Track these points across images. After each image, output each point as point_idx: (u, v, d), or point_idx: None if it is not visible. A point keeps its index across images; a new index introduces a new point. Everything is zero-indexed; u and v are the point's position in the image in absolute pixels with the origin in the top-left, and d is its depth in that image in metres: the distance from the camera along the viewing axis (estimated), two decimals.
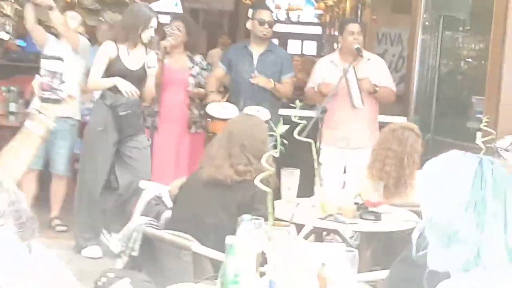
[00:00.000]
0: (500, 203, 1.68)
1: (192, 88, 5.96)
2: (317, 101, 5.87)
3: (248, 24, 6.06)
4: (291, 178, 3.88)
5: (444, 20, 7.23)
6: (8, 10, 7.20)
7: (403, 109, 7.18)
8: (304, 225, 3.85)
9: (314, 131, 5.17)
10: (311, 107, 6.09)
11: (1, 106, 6.82)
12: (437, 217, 1.71)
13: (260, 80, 5.87)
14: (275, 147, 2.47)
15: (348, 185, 4.76)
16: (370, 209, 3.76)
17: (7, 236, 1.21)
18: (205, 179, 3.60)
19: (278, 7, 15.58)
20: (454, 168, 1.73)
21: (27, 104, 6.43)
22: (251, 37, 6.08)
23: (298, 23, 17.27)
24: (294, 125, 3.36)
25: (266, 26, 5.97)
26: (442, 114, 7.19)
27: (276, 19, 8.49)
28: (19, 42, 10.00)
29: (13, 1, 7.25)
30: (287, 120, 3.14)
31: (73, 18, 6.24)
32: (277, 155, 2.44)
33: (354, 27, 5.87)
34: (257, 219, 2.61)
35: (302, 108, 3.79)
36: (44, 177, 6.20)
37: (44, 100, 2.33)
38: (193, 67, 5.96)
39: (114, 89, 5.34)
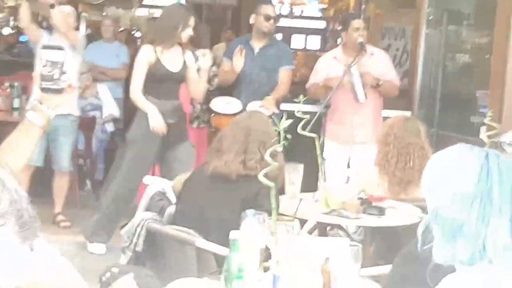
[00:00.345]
0: (505, 197, 1.68)
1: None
2: (320, 96, 5.87)
3: (252, 19, 6.05)
4: (295, 173, 3.88)
5: (449, 14, 7.22)
6: (10, 1, 7.19)
7: (407, 103, 7.17)
8: (307, 220, 3.85)
9: (318, 126, 5.16)
10: (314, 101, 6.09)
11: (4, 101, 6.83)
12: (443, 210, 1.71)
13: (268, 104, 5.77)
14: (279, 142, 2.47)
15: (352, 180, 4.75)
16: (374, 204, 3.76)
17: (8, 236, 1.20)
18: (211, 173, 3.59)
19: (281, 2, 15.53)
20: (461, 161, 1.73)
21: None
22: (254, 32, 6.07)
23: (302, 17, 17.23)
24: (297, 120, 3.35)
25: (272, 21, 5.99)
26: (446, 108, 7.17)
27: (279, 13, 8.48)
28: (22, 37, 10.02)
29: None
30: (290, 115, 3.13)
31: (68, 13, 6.16)
32: (280, 149, 2.43)
33: (359, 23, 5.84)
34: (261, 214, 2.61)
35: (305, 103, 3.78)
36: (44, 173, 6.22)
37: (44, 90, 2.32)
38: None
39: (159, 96, 5.27)
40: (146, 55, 5.26)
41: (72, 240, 5.62)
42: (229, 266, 2.30)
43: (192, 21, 5.29)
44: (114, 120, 7.77)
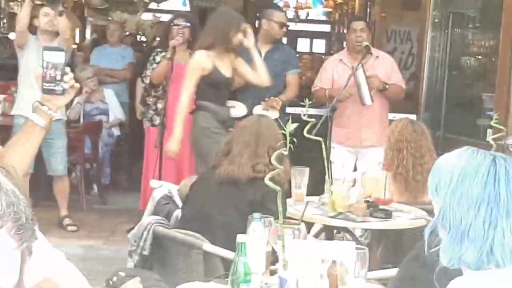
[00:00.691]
0: None
1: None
2: (325, 101, 5.87)
3: (265, 25, 6.01)
4: (301, 176, 3.88)
5: (454, 17, 7.21)
6: (17, 10, 7.21)
7: (413, 106, 7.16)
8: (314, 223, 3.85)
9: (324, 129, 5.15)
10: (320, 105, 6.08)
11: (10, 107, 6.84)
12: (450, 213, 1.71)
13: (270, 103, 5.78)
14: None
15: (359, 183, 4.75)
16: (380, 207, 3.75)
17: (5, 238, 1.19)
18: (222, 177, 3.58)
19: (287, 5, 15.55)
20: (468, 164, 1.73)
21: None
22: (262, 36, 6.05)
23: (307, 21, 17.25)
24: (303, 123, 3.36)
25: (284, 29, 6.03)
26: (452, 111, 7.17)
27: None
28: None
29: (21, 0, 7.27)
30: (296, 118, 3.13)
31: (46, 15, 6.02)
32: (286, 153, 2.43)
33: (356, 24, 5.87)
34: (267, 217, 2.61)
35: (311, 106, 3.78)
36: (50, 177, 6.25)
37: (46, 91, 2.32)
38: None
39: (218, 103, 5.24)
40: (201, 63, 5.16)
41: (79, 243, 5.64)
42: (236, 270, 2.30)
43: (244, 25, 5.28)
44: (120, 125, 7.80)
